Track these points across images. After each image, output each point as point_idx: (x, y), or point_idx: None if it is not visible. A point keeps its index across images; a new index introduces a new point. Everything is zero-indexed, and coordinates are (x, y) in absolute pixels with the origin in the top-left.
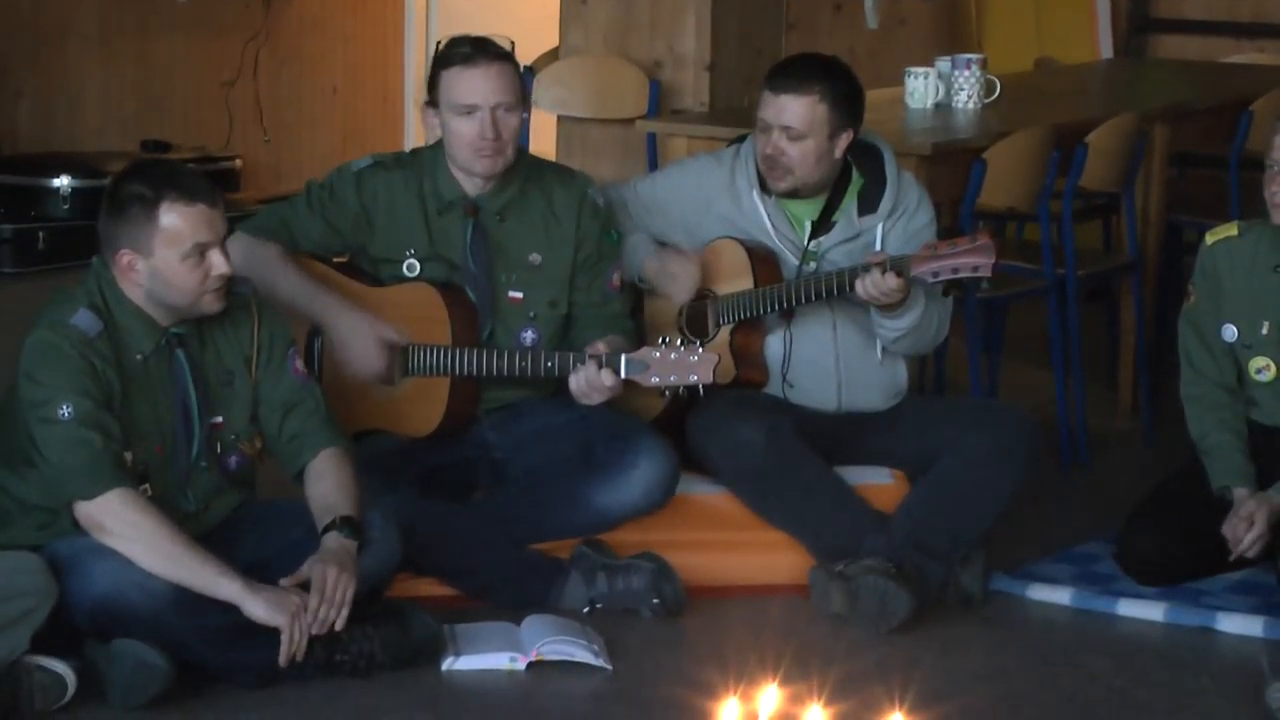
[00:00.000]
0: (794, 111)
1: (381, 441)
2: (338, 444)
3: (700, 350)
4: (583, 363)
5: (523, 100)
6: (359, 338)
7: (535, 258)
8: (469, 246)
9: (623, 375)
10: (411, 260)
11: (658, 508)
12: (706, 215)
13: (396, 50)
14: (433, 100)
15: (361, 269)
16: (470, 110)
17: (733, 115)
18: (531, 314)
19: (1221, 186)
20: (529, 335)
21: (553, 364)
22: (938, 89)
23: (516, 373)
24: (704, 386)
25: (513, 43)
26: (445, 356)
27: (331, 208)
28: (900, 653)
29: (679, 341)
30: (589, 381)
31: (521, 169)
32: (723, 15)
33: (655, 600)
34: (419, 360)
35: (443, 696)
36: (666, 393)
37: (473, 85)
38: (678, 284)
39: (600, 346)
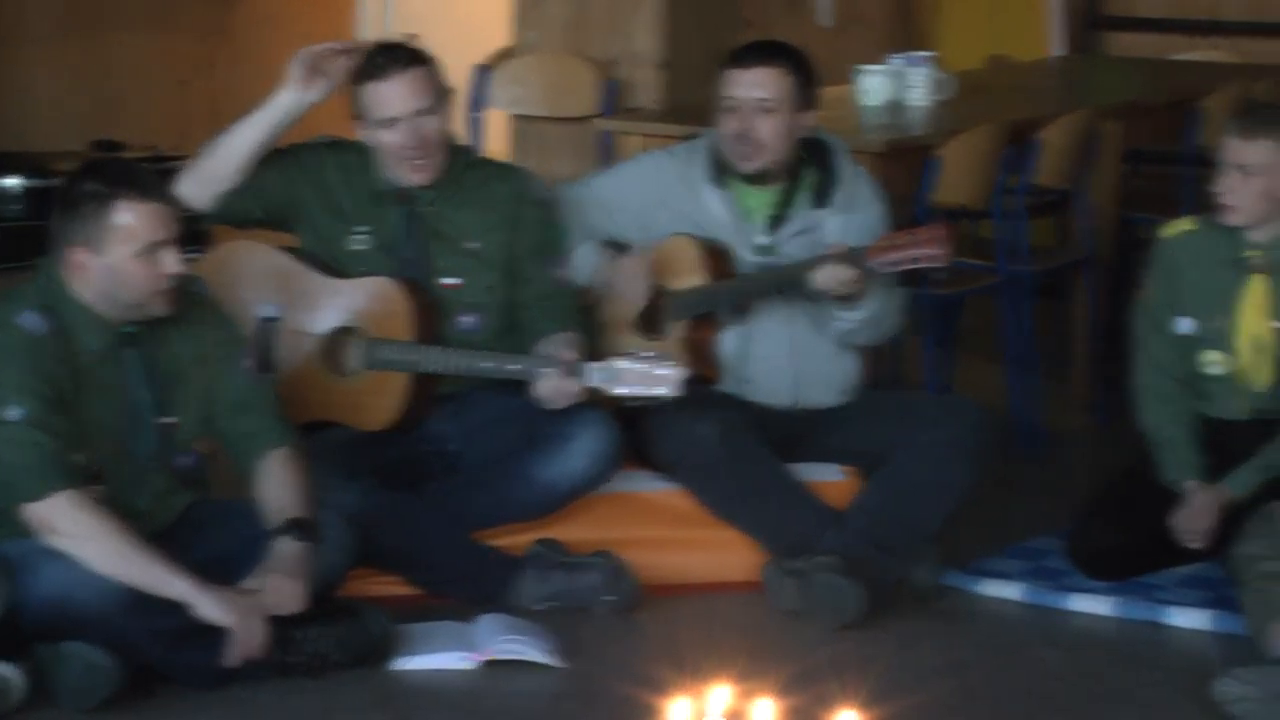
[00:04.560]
0: (765, 84)
1: (336, 435)
2: (289, 443)
3: (668, 363)
4: (549, 368)
5: (443, 98)
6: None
7: (473, 244)
8: (404, 233)
9: (589, 384)
10: (360, 235)
11: (603, 478)
12: (661, 211)
13: None
14: (358, 114)
15: (320, 258)
16: (391, 122)
17: (688, 113)
18: (470, 300)
19: (1174, 183)
20: (468, 320)
21: (517, 367)
22: (891, 86)
23: (480, 374)
24: (671, 400)
25: (414, 38)
26: (409, 354)
27: (292, 167)
28: (854, 648)
29: (646, 353)
30: (556, 388)
31: (459, 162)
32: (678, 13)
33: (609, 598)
34: (379, 356)
35: (396, 696)
36: (632, 401)
37: (388, 97)
38: (630, 282)
39: (568, 354)
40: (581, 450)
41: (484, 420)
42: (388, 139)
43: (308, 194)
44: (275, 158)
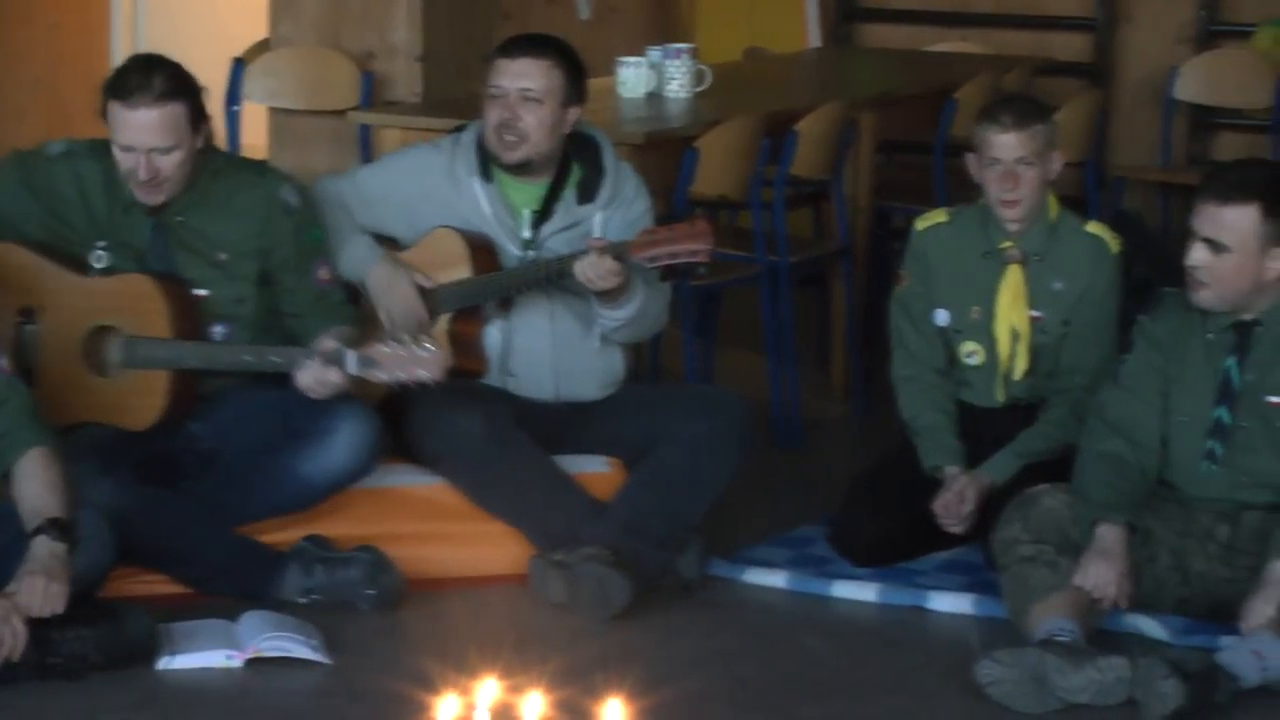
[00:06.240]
0: (531, 75)
1: (90, 433)
2: (45, 443)
3: (429, 347)
4: (309, 358)
5: (197, 128)
6: None
7: (221, 256)
8: (150, 244)
9: (350, 371)
10: (100, 251)
11: (364, 472)
12: (426, 204)
13: (103, 39)
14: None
15: (71, 257)
16: (127, 148)
17: (446, 106)
18: (219, 311)
19: (927, 173)
20: (218, 330)
21: (279, 359)
22: (649, 78)
23: (241, 367)
24: (433, 382)
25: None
26: (170, 351)
27: (21, 200)
28: (620, 639)
29: (406, 335)
30: (316, 378)
31: (207, 170)
32: (434, 5)
33: (371, 591)
34: (140, 353)
35: (159, 696)
36: (395, 385)
37: (129, 127)
38: (397, 315)
39: (329, 343)
40: (342, 444)
41: (237, 416)
42: (121, 160)
43: (44, 225)
44: (9, 178)
